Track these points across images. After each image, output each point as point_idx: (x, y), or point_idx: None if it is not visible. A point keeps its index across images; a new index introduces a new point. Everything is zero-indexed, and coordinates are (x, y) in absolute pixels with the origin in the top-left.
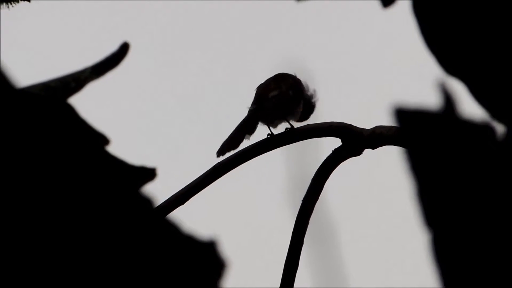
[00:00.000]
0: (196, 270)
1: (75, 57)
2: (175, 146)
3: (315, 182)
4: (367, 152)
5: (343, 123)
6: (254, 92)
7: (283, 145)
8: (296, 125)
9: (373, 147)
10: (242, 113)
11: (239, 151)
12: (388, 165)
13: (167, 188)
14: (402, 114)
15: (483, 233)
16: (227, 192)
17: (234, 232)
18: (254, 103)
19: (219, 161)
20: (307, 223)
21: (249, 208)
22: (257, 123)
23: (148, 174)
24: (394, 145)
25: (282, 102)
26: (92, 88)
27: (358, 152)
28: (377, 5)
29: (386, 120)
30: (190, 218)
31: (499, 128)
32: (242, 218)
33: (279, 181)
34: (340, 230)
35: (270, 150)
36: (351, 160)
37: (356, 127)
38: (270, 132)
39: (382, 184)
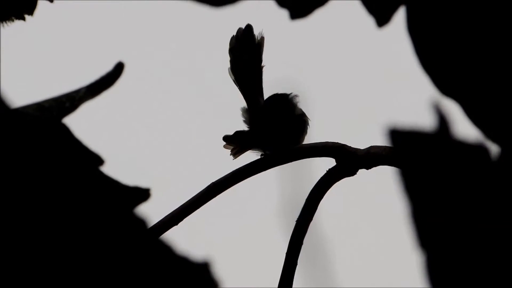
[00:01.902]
0: None
1: (70, 77)
2: (169, 166)
3: (309, 202)
4: (362, 172)
5: (337, 143)
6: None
7: (277, 165)
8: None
9: (368, 167)
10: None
11: (233, 170)
12: (383, 186)
13: (161, 209)
14: (397, 134)
15: (478, 255)
16: (221, 213)
17: (228, 252)
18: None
19: (213, 181)
20: (301, 243)
21: (243, 228)
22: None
23: (142, 194)
24: (389, 165)
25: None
26: (86, 108)
27: (352, 172)
28: (372, 24)
29: (381, 140)
30: (184, 238)
31: (494, 149)
32: (236, 239)
33: (273, 201)
34: (334, 251)
35: (264, 170)
36: (345, 180)
37: (350, 147)
38: (263, 152)
39: (376, 204)
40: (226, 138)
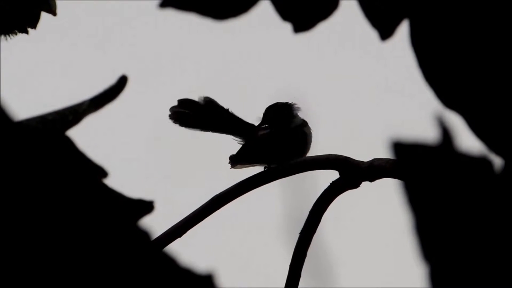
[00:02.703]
0: None
1: (73, 90)
2: (172, 178)
3: (313, 214)
4: (365, 184)
5: (340, 155)
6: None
7: (280, 178)
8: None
9: (371, 179)
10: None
11: (236, 183)
12: (386, 198)
13: (165, 221)
14: (400, 147)
15: (481, 266)
16: (225, 225)
17: (232, 264)
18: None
19: (217, 193)
20: (305, 255)
21: (247, 240)
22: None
23: (146, 207)
24: (392, 177)
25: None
26: (90, 121)
27: (355, 185)
28: (375, 37)
29: (384, 152)
30: (188, 250)
31: (497, 162)
32: (239, 251)
33: (277, 213)
34: (338, 263)
35: (268, 182)
36: (348, 193)
37: (353, 159)
38: (267, 165)
39: (379, 216)
40: (232, 158)
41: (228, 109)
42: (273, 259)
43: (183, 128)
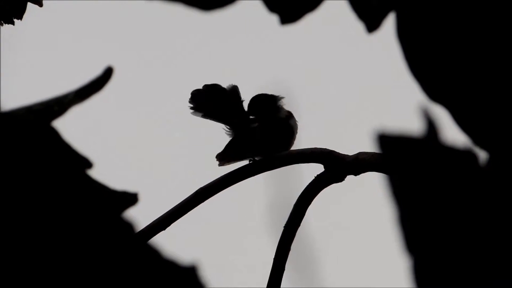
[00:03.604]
0: None
1: (59, 81)
2: (157, 171)
3: (297, 208)
4: (350, 178)
5: (325, 149)
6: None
7: (265, 171)
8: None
9: (356, 173)
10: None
11: (221, 176)
12: (371, 192)
13: (149, 213)
14: (385, 140)
15: (465, 258)
16: (209, 218)
17: (216, 257)
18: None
19: (201, 186)
20: (289, 249)
21: (231, 233)
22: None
23: (130, 199)
24: (377, 171)
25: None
26: (75, 112)
27: (340, 178)
28: (362, 30)
29: (370, 146)
30: (172, 243)
31: (482, 155)
32: (224, 244)
33: (261, 206)
34: (322, 256)
35: (253, 175)
36: (333, 186)
37: (338, 153)
38: (252, 158)
39: (364, 210)
40: (219, 156)
41: (243, 101)
42: (257, 252)
43: (196, 116)
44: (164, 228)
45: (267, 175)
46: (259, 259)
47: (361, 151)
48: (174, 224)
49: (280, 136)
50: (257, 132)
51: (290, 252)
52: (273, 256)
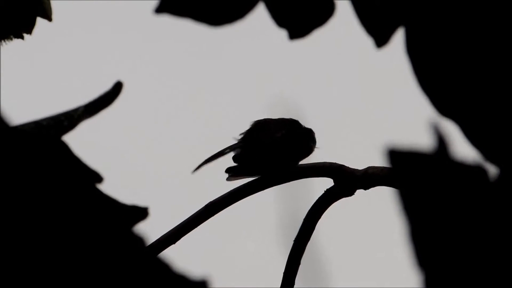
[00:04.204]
0: None
1: (68, 96)
2: (167, 185)
3: (307, 222)
4: (359, 192)
5: (335, 163)
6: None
7: (276, 185)
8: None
9: (366, 187)
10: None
11: (231, 190)
12: (380, 206)
13: (159, 228)
14: (395, 154)
15: (475, 275)
16: (219, 231)
17: (226, 271)
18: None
19: (211, 200)
20: (299, 263)
21: (242, 247)
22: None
23: (140, 213)
24: (386, 185)
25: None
26: (85, 127)
27: (350, 193)
28: (371, 45)
29: (379, 160)
30: (182, 257)
31: (492, 170)
32: (234, 258)
33: (272, 221)
34: (333, 271)
35: (262, 190)
36: (343, 201)
37: (348, 167)
38: (264, 172)
39: (374, 224)
40: (230, 170)
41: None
42: (267, 266)
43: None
44: (173, 242)
45: (278, 189)
46: (269, 273)
47: (370, 165)
48: (184, 238)
49: (304, 146)
50: (279, 141)
51: (300, 267)
52: (283, 271)
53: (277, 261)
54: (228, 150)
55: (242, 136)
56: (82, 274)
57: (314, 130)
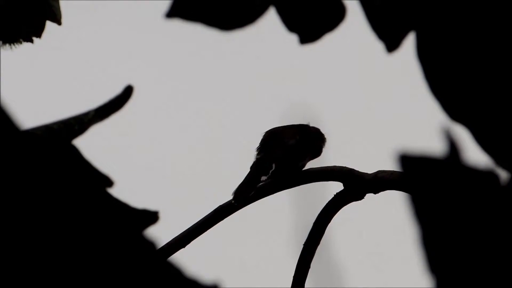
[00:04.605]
0: None
1: (79, 100)
2: (177, 188)
3: (317, 225)
4: (369, 196)
5: (345, 167)
6: (263, 138)
7: (285, 189)
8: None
9: (375, 191)
10: (245, 158)
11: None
12: (390, 210)
13: (170, 231)
14: (407, 159)
15: (487, 280)
16: (229, 235)
17: (237, 275)
18: (262, 150)
19: (221, 204)
20: (309, 267)
21: (252, 251)
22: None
23: (151, 217)
24: (396, 189)
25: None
26: (96, 131)
27: (360, 196)
28: (382, 49)
29: (389, 164)
30: (193, 261)
31: (504, 175)
32: (244, 261)
33: (282, 224)
34: (343, 274)
35: (272, 194)
36: (353, 204)
37: (358, 171)
38: (275, 175)
39: (384, 228)
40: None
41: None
42: (278, 270)
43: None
44: (183, 246)
45: (289, 192)
46: (280, 277)
47: (380, 169)
48: (195, 241)
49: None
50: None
51: (311, 271)
52: (293, 274)
53: (288, 264)
54: (264, 177)
55: (258, 151)
56: (93, 277)
57: (321, 129)
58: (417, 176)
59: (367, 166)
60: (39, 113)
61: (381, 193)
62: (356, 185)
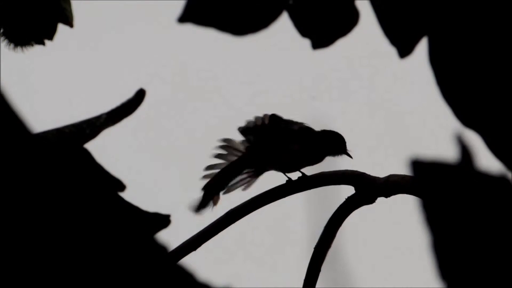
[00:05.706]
0: None
1: (90, 103)
2: (189, 191)
3: (328, 229)
4: (380, 200)
5: (356, 171)
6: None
7: (299, 192)
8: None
9: (387, 195)
10: None
11: (251, 198)
12: (401, 214)
13: (181, 234)
14: (419, 165)
15: (500, 285)
16: (241, 238)
17: (248, 278)
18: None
19: (232, 207)
20: (319, 270)
21: (263, 254)
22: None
23: (162, 221)
24: (408, 193)
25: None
26: (108, 134)
27: (371, 200)
28: (394, 55)
29: (401, 169)
30: (204, 264)
31: None
32: (256, 265)
33: (294, 227)
34: (353, 278)
35: (283, 197)
36: (364, 208)
37: (369, 175)
38: (288, 178)
39: (394, 232)
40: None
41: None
42: (290, 273)
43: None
44: (194, 249)
45: (300, 195)
46: (291, 280)
47: (392, 173)
48: (206, 245)
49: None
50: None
51: (321, 274)
52: (304, 278)
53: (298, 267)
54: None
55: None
56: (106, 281)
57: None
58: (429, 181)
59: (379, 170)
60: (50, 117)
61: (393, 197)
62: (368, 189)
